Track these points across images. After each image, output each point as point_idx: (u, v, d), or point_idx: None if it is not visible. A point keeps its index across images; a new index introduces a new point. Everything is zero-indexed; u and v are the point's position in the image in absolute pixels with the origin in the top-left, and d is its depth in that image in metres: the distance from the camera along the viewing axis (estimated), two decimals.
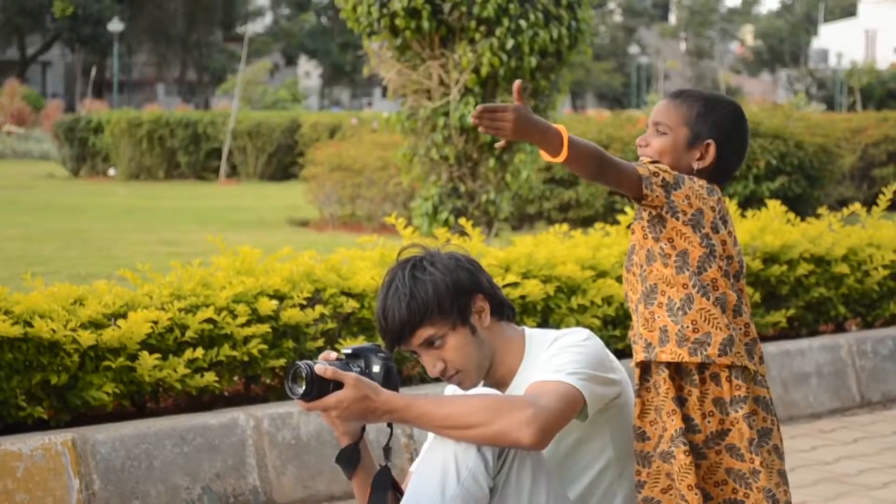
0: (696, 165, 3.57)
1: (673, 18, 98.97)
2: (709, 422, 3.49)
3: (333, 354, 3.59)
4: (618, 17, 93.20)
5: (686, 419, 3.48)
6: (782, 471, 3.56)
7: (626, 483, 3.71)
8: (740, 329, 3.51)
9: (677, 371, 3.49)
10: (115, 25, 64.77)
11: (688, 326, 3.46)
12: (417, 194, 11.53)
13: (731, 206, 7.93)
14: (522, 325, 3.92)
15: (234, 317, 5.67)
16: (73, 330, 5.25)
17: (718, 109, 3.62)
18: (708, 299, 3.46)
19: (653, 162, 3.51)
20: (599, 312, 6.77)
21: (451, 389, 3.83)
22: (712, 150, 3.57)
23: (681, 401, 3.49)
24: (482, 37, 10.55)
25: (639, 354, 3.53)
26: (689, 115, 3.59)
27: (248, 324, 5.70)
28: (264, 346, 5.71)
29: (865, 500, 5.77)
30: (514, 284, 6.48)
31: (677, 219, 3.46)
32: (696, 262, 3.47)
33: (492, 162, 10.86)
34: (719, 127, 3.59)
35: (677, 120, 3.59)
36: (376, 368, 3.59)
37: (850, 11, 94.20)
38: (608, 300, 6.84)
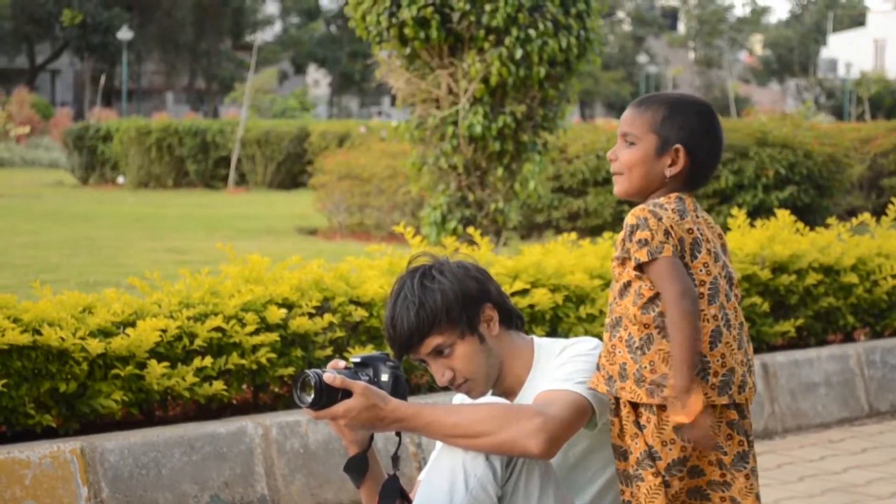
0: (668, 172, 3.46)
1: (682, 28, 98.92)
2: (670, 449, 3.40)
3: (342, 363, 3.59)
4: (627, 27, 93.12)
5: (646, 444, 3.42)
6: (758, 493, 3.50)
7: None
8: (716, 361, 3.39)
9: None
10: (124, 34, 64.84)
11: (645, 367, 3.38)
12: (426, 203, 11.54)
13: (740, 216, 7.93)
14: (531, 334, 3.92)
15: (243, 325, 5.67)
16: (82, 338, 5.25)
17: (684, 111, 3.49)
18: (668, 340, 3.36)
19: (624, 244, 3.41)
20: None
21: (459, 398, 3.83)
22: (683, 154, 3.45)
23: (640, 425, 3.43)
24: (491, 46, 10.56)
25: (600, 385, 3.48)
26: (655, 121, 3.47)
27: (256, 332, 5.70)
28: (273, 355, 5.71)
29: None
30: (523, 293, 6.48)
31: None
32: None
33: (500, 171, 10.86)
34: (687, 129, 3.47)
35: (644, 128, 3.48)
36: (385, 377, 3.59)
37: (858, 21, 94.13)
38: None
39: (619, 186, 3.54)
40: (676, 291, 3.33)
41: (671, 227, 3.38)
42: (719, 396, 3.40)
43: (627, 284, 3.44)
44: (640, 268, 3.39)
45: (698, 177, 3.52)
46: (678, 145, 3.46)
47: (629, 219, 3.43)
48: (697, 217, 3.47)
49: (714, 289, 3.42)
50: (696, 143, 3.48)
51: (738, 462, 3.45)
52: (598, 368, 3.51)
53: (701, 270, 3.42)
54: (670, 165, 3.47)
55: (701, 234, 3.44)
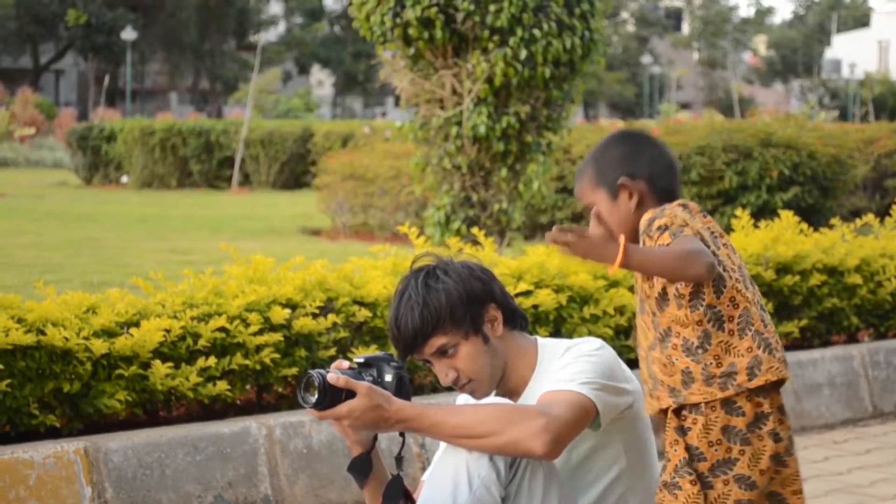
0: (632, 206, 3.51)
1: (686, 28, 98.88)
2: (716, 450, 3.39)
3: (346, 363, 3.59)
4: (631, 27, 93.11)
5: (689, 448, 3.40)
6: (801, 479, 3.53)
7: (638, 492, 3.70)
8: (773, 337, 3.41)
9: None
10: (129, 34, 64.91)
11: (710, 363, 3.37)
12: (430, 203, 11.53)
13: (744, 217, 7.93)
14: (535, 335, 3.92)
15: (247, 325, 5.67)
16: (86, 338, 5.25)
17: (604, 152, 3.59)
18: (724, 330, 3.37)
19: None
20: (612, 322, 6.76)
21: (463, 398, 3.83)
22: (628, 182, 3.51)
23: (683, 431, 3.41)
24: (495, 46, 10.55)
25: (663, 401, 3.43)
26: (592, 180, 3.57)
27: (260, 332, 5.70)
28: (276, 355, 5.72)
29: None
30: (527, 293, 6.48)
31: None
32: (710, 290, 3.36)
33: (504, 171, 10.85)
34: (616, 162, 3.55)
35: (590, 192, 3.57)
36: (388, 377, 3.59)
37: (863, 22, 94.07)
38: (620, 310, 6.83)
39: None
40: (696, 248, 3.29)
41: (685, 220, 3.40)
42: (786, 369, 3.42)
43: (664, 293, 3.41)
44: None
45: (663, 186, 3.54)
46: (620, 181, 3.52)
47: (642, 219, 3.45)
48: (705, 217, 3.49)
49: (743, 274, 3.44)
50: (632, 166, 3.54)
51: (791, 446, 3.47)
52: (654, 389, 3.47)
53: (727, 259, 3.43)
54: (630, 199, 3.52)
55: (715, 230, 3.46)
